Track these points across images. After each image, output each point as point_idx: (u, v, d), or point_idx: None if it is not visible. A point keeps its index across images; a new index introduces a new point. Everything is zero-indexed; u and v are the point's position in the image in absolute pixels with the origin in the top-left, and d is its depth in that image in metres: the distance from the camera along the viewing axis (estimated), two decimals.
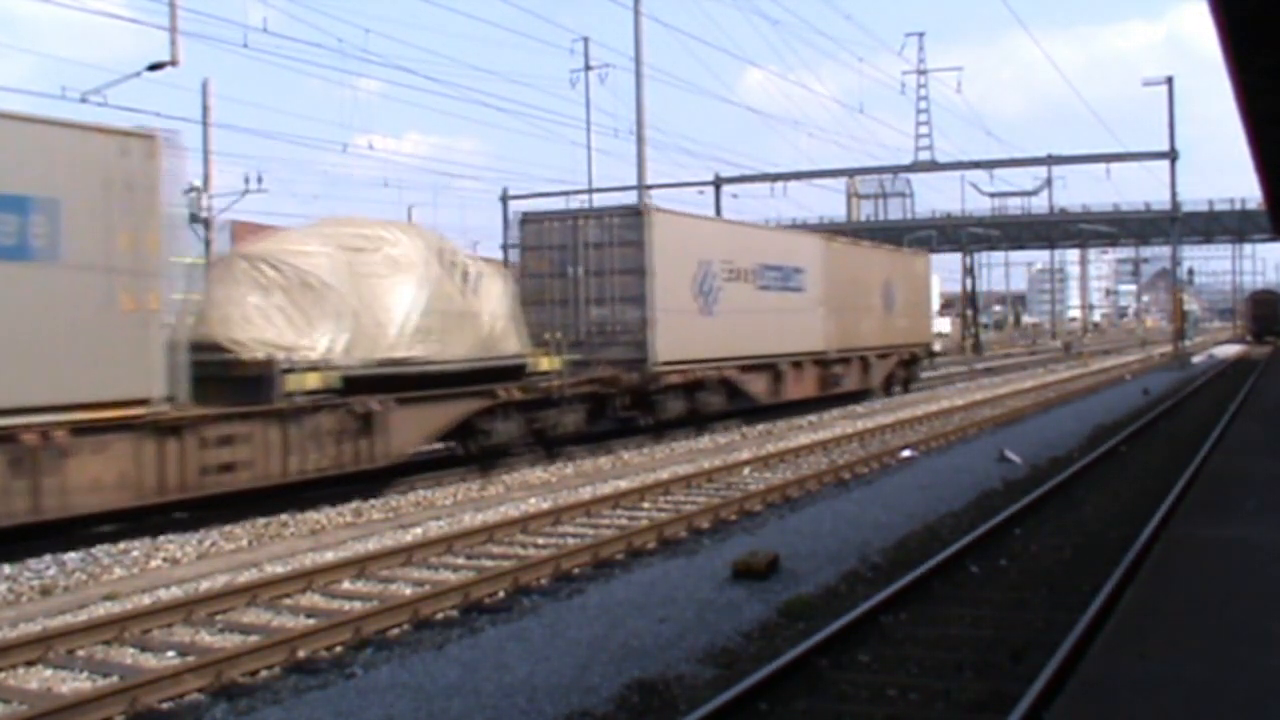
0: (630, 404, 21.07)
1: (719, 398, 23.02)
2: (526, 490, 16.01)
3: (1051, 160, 49.99)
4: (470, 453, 17.62)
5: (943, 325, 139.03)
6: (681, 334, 21.38)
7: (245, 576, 10.76)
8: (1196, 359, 51.49)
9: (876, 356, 30.65)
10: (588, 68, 49.00)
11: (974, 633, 8.20)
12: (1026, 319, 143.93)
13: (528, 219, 22.13)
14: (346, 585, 10.56)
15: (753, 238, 25.66)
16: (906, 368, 34.17)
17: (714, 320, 22.51)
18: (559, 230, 21.68)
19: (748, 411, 24.83)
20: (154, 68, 25.95)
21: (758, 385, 24.42)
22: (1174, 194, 45.61)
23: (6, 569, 11.21)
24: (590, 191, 43.06)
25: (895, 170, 56.70)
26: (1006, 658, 7.56)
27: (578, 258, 21.30)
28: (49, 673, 8.07)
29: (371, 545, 12.17)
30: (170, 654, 8.48)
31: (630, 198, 37.45)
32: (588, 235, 21.31)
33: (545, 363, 18.42)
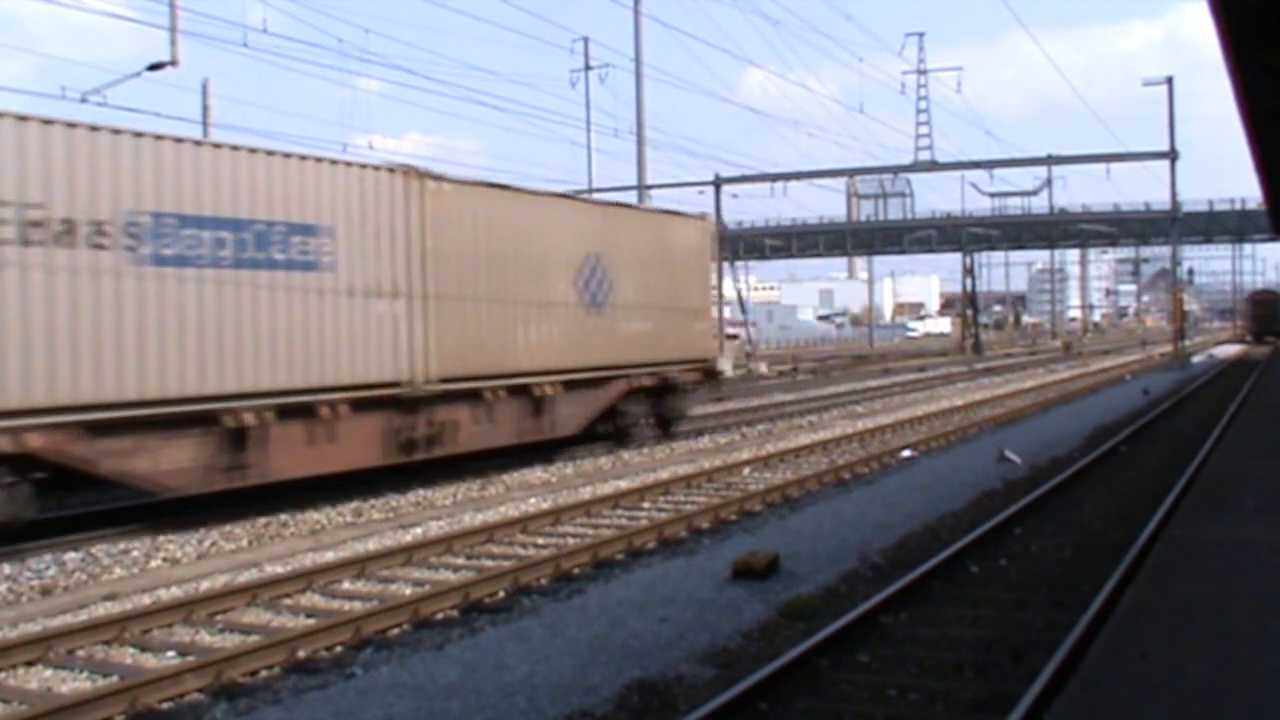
0: None
1: None
2: (526, 490, 16.01)
3: (1051, 160, 49.99)
4: None
5: (943, 325, 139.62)
6: None
7: (245, 576, 10.76)
8: (1196, 359, 51.50)
9: (565, 387, 18.21)
10: (588, 68, 49.06)
11: (974, 633, 8.20)
12: (1026, 319, 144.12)
13: None
14: (346, 585, 10.56)
15: (123, 154, 12.26)
16: (658, 400, 21.18)
17: None
18: None
19: (145, 513, 13.71)
20: (154, 68, 26.00)
21: (161, 460, 12.56)
22: (1174, 194, 45.61)
23: (6, 569, 11.21)
24: (590, 191, 43.03)
25: (895, 170, 56.63)
26: (1006, 657, 7.56)
27: None
28: (49, 673, 8.07)
29: (371, 545, 12.17)
30: (170, 654, 8.48)
31: (631, 198, 37.43)
32: None
33: None
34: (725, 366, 24.08)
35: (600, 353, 19.10)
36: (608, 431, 20.21)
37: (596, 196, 20.85)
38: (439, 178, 16.26)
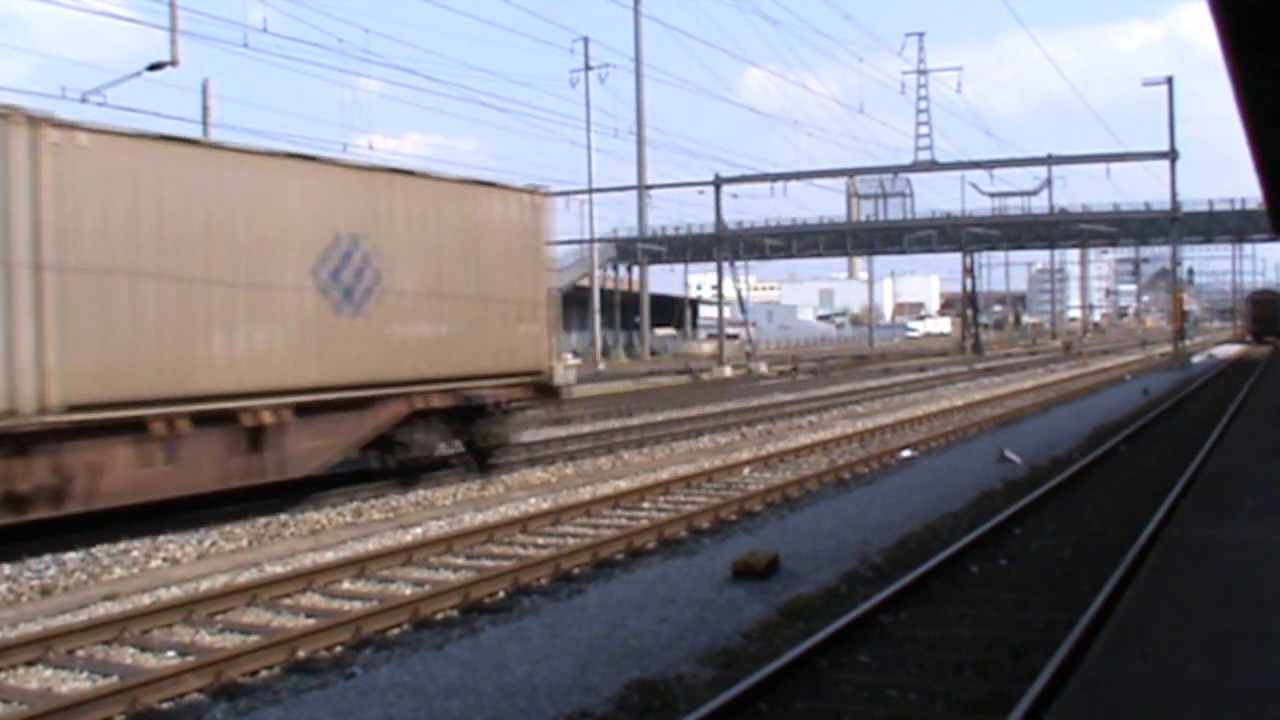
0: None
1: None
2: (526, 490, 16.01)
3: (1051, 160, 50.04)
4: None
5: (943, 325, 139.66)
6: None
7: (245, 576, 10.76)
8: (1196, 359, 51.51)
9: (300, 411, 13.71)
10: (588, 68, 49.14)
11: (974, 633, 8.20)
12: (1026, 319, 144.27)
13: None
14: (346, 585, 10.56)
15: None
16: (464, 426, 16.67)
17: None
18: None
19: None
20: (154, 68, 26.05)
21: None
22: (1174, 194, 45.63)
23: (6, 569, 11.21)
24: (590, 191, 43.03)
25: (895, 170, 56.68)
26: (1006, 657, 7.56)
27: None
28: (49, 673, 8.07)
29: (371, 545, 12.17)
30: (170, 654, 8.48)
31: (630, 198, 37.38)
32: None
33: None
34: (565, 379, 18.46)
35: (359, 365, 14.47)
36: (385, 468, 16.00)
37: (360, 159, 15.49)
38: (69, 125, 11.56)
